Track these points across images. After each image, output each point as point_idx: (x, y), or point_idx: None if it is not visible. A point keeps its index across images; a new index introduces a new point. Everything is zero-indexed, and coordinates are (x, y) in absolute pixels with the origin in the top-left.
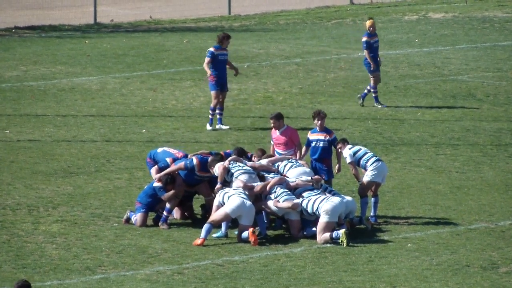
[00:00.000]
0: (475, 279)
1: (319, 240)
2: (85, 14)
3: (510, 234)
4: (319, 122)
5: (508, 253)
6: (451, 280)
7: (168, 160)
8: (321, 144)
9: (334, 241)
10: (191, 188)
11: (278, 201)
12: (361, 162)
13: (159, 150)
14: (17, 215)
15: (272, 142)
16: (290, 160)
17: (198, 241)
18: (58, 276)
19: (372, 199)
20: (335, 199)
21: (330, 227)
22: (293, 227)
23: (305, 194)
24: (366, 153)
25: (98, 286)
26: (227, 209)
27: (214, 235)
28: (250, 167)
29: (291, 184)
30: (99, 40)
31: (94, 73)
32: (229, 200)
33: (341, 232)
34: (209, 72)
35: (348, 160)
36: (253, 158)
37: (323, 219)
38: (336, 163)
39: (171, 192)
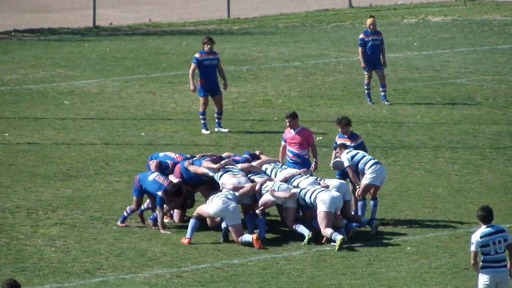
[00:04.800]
0: (474, 282)
1: (322, 231)
2: (84, 17)
3: None
4: (340, 129)
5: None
6: (450, 283)
7: (169, 163)
8: None
9: (331, 241)
10: (194, 189)
11: (275, 190)
12: (359, 165)
13: (161, 154)
14: (16, 218)
15: (283, 142)
16: (276, 163)
17: (185, 241)
18: (57, 279)
19: (371, 202)
20: (334, 193)
21: (330, 217)
22: (288, 215)
23: (301, 184)
24: (364, 156)
25: None
26: (210, 210)
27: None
28: (241, 169)
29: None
30: (98, 43)
31: (93, 76)
32: (212, 201)
33: (339, 238)
34: (191, 82)
35: (346, 164)
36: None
37: (321, 209)
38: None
39: (172, 203)
